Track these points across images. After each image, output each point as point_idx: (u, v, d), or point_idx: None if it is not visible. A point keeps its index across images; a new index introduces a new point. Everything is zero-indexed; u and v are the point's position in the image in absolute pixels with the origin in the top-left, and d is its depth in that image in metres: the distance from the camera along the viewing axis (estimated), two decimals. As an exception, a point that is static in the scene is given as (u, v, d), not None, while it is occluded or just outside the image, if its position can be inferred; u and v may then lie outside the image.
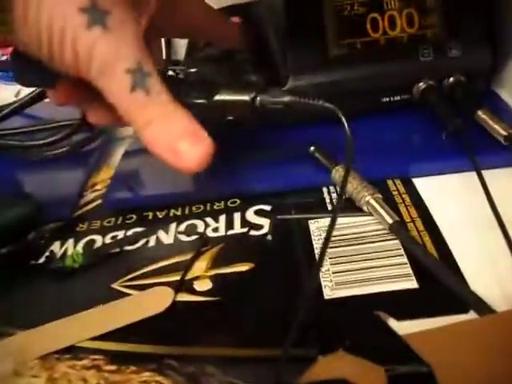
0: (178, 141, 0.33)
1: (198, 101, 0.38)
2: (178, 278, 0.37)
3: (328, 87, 0.48)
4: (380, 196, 0.39)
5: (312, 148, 0.44)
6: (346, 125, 0.35)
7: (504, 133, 0.42)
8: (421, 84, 0.49)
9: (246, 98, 0.38)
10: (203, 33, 0.46)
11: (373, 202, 0.39)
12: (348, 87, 0.48)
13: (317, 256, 0.37)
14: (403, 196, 0.42)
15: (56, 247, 0.43)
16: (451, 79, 0.49)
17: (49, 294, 0.39)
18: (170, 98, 0.33)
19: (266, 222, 0.41)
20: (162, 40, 0.62)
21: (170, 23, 0.41)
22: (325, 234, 0.39)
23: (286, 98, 0.37)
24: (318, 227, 0.40)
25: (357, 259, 0.37)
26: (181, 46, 0.63)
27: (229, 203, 0.44)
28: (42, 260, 0.42)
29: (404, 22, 0.48)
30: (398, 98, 0.50)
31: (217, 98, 0.38)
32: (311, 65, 0.48)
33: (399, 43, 0.49)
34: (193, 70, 0.39)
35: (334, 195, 0.43)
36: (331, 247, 0.38)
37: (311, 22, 0.48)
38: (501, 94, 0.53)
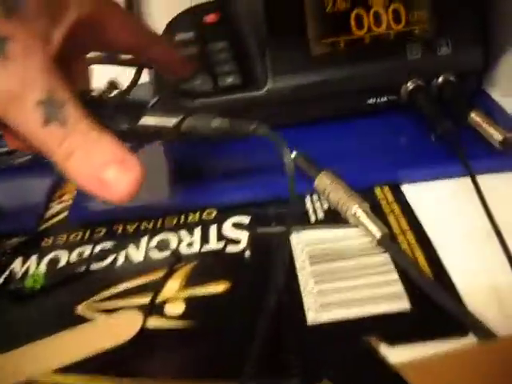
0: (104, 169, 0.29)
1: (121, 126, 0.34)
2: (148, 299, 0.34)
3: (310, 89, 0.45)
4: (367, 206, 0.36)
5: (294, 154, 0.41)
6: (286, 153, 0.32)
7: (499, 137, 0.39)
8: (409, 84, 0.46)
9: (171, 122, 0.34)
10: (137, 54, 0.41)
11: (360, 213, 0.36)
12: (331, 88, 0.45)
13: (299, 273, 0.34)
14: (392, 205, 0.39)
15: (17, 265, 0.39)
16: (441, 79, 0.46)
17: (6, 317, 0.36)
18: (91, 124, 0.30)
19: (243, 236, 0.38)
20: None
21: (96, 40, 0.36)
22: (308, 248, 0.36)
23: (215, 124, 0.34)
24: (299, 241, 0.37)
25: (343, 277, 0.34)
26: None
27: (204, 214, 0.41)
28: (0, 280, 0.38)
29: (390, 18, 0.45)
30: (385, 99, 0.47)
31: (141, 122, 0.34)
32: (291, 65, 0.45)
33: (385, 41, 0.46)
34: (116, 92, 0.35)
35: (318, 204, 0.40)
36: (315, 263, 0.35)
37: (291, 19, 0.45)
38: (492, 93, 0.50)
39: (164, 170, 0.45)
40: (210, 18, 0.50)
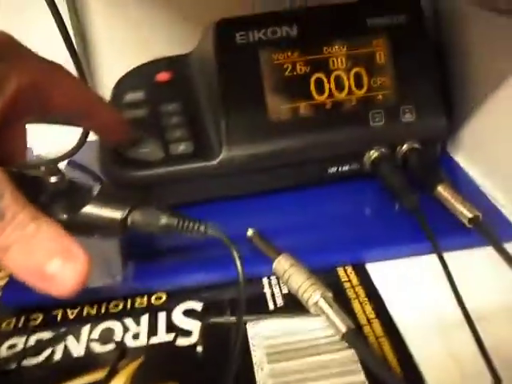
0: (46, 263, 0.27)
1: (59, 215, 0.31)
2: (87, 406, 0.30)
3: (267, 158, 0.42)
4: (331, 296, 0.33)
5: (250, 232, 0.38)
6: (238, 265, 0.31)
7: (469, 215, 0.37)
8: (372, 152, 0.43)
9: (116, 215, 0.31)
10: (81, 121, 0.40)
11: (322, 303, 0.33)
12: (290, 157, 0.43)
13: (256, 375, 0.30)
14: (356, 289, 0.36)
15: None
16: (405, 146, 0.43)
17: None
18: (31, 213, 0.27)
19: (195, 327, 0.34)
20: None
21: (38, 106, 0.34)
22: (266, 342, 0.32)
23: (163, 222, 0.32)
24: (256, 332, 0.33)
25: (305, 378, 0.30)
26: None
27: (153, 299, 0.37)
28: None
29: (352, 83, 0.43)
30: (347, 167, 0.44)
31: (83, 212, 0.31)
32: (248, 132, 0.42)
33: (347, 107, 0.43)
34: (56, 177, 0.32)
35: (277, 289, 0.36)
36: (273, 361, 0.31)
37: (248, 83, 0.42)
38: (456, 157, 0.48)
39: (109, 249, 0.41)
40: (162, 76, 0.48)
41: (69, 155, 0.54)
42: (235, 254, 0.30)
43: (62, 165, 0.55)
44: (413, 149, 0.43)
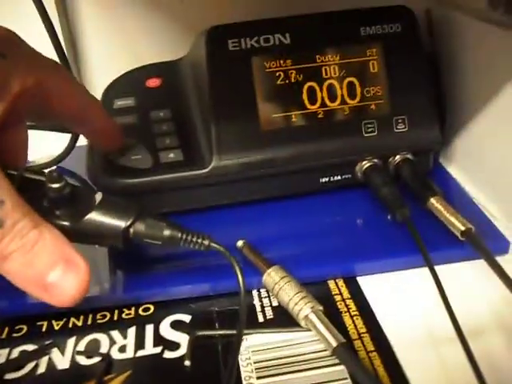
0: (47, 272, 0.27)
1: (61, 222, 0.31)
2: (71, 422, 0.29)
3: (258, 167, 0.41)
4: (321, 310, 0.32)
5: (240, 243, 0.37)
6: (240, 277, 0.31)
7: (461, 228, 0.37)
8: (364, 162, 0.43)
9: (120, 224, 0.31)
10: (79, 124, 0.39)
11: (313, 317, 0.32)
12: (282, 167, 0.42)
13: (245, 389, 0.30)
14: (347, 302, 0.36)
15: None
16: (397, 157, 0.43)
17: None
18: (32, 221, 0.27)
19: (183, 340, 0.34)
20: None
21: (40, 109, 0.34)
22: (255, 357, 0.32)
23: (166, 233, 0.32)
24: (247, 347, 0.33)
25: (294, 394, 0.29)
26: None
27: (140, 311, 0.37)
28: None
29: (345, 92, 0.43)
30: (339, 177, 0.43)
31: (86, 219, 0.31)
32: (239, 141, 0.41)
33: (340, 116, 0.43)
34: (61, 187, 0.31)
35: (266, 301, 0.36)
36: (262, 377, 0.31)
37: (239, 91, 0.41)
38: (449, 169, 0.48)
39: (96, 257, 0.40)
40: (152, 82, 0.47)
41: (57, 161, 0.54)
42: (237, 270, 0.31)
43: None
44: (405, 160, 0.43)
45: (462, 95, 0.46)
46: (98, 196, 0.32)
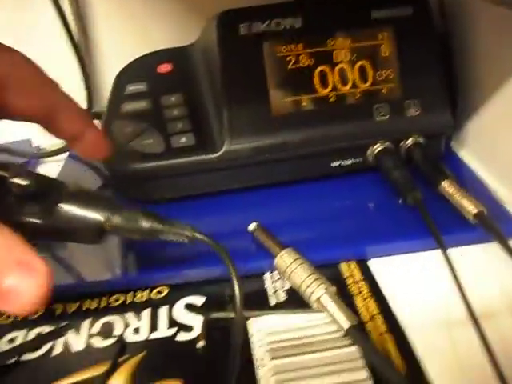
0: (3, 277, 0.24)
1: (29, 219, 0.30)
2: (88, 401, 0.30)
3: (270, 151, 0.42)
4: (334, 291, 0.33)
5: (252, 225, 0.38)
6: (230, 266, 0.31)
7: (473, 210, 0.37)
8: (375, 146, 0.43)
9: (94, 217, 0.30)
10: (44, 123, 0.34)
11: (325, 300, 0.32)
12: (293, 151, 0.42)
13: (258, 370, 0.30)
14: (360, 284, 0.36)
15: None
16: (409, 141, 0.43)
17: None
18: None
19: (197, 322, 0.34)
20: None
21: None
22: (268, 338, 0.32)
23: (146, 226, 0.31)
24: (259, 328, 0.33)
25: (307, 375, 0.30)
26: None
27: (154, 293, 0.37)
28: None
29: (356, 76, 0.43)
30: (350, 161, 0.43)
31: (58, 212, 0.30)
32: (250, 125, 0.41)
33: (351, 100, 0.43)
34: (25, 182, 0.30)
35: (279, 284, 0.36)
36: (276, 357, 0.31)
37: (250, 76, 0.42)
38: (460, 153, 0.48)
39: (108, 242, 0.40)
40: (164, 67, 0.47)
41: (68, 147, 0.54)
42: (226, 258, 0.31)
43: (64, 156, 0.55)
44: (417, 143, 0.43)
45: (475, 78, 0.46)
46: (69, 188, 0.31)
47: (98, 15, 0.57)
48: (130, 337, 0.34)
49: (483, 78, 0.44)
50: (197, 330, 0.34)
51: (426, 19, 0.43)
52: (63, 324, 0.36)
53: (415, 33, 0.43)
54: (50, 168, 0.55)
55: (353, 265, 0.38)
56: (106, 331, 0.35)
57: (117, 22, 0.57)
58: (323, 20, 0.42)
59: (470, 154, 0.47)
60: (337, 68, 0.43)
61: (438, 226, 0.36)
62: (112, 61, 0.55)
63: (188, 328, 0.34)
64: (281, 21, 0.42)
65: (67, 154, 0.55)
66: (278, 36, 0.42)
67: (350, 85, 0.43)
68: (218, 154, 0.41)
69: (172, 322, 0.35)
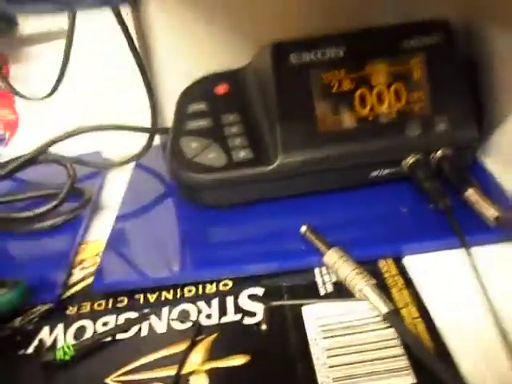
0: None
1: None
2: (172, 372, 0.37)
3: (316, 163, 0.48)
4: (374, 283, 0.39)
5: (303, 228, 0.44)
6: None
7: (494, 214, 0.43)
8: (409, 158, 0.49)
9: None
10: None
11: (367, 290, 0.39)
12: (337, 163, 0.49)
13: (312, 346, 0.37)
14: (395, 278, 0.42)
15: (45, 334, 0.42)
16: (439, 153, 0.49)
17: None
18: None
19: (259, 309, 0.41)
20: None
21: None
22: (320, 322, 0.39)
23: None
24: (310, 314, 0.40)
25: (353, 351, 0.37)
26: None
27: (221, 286, 0.44)
28: (30, 350, 0.41)
29: (392, 97, 0.49)
30: (387, 172, 0.50)
31: None
32: (300, 141, 0.48)
33: (387, 118, 0.49)
34: None
35: (327, 277, 0.43)
36: (327, 337, 0.38)
37: (300, 99, 0.49)
38: (486, 162, 0.53)
39: (177, 240, 0.48)
40: (221, 88, 0.54)
41: (135, 158, 0.61)
42: None
43: (131, 166, 0.62)
44: (446, 155, 0.49)
45: (498, 98, 0.51)
46: None
47: (160, 39, 0.65)
48: (204, 321, 0.41)
49: (506, 99, 0.50)
50: (259, 316, 0.41)
51: (452, 46, 0.49)
52: (146, 311, 0.43)
53: (443, 58, 0.49)
54: (119, 177, 0.62)
55: (389, 261, 0.44)
56: (184, 316, 0.42)
57: (177, 46, 0.64)
58: (362, 49, 0.49)
59: (494, 163, 0.53)
60: (374, 90, 0.49)
61: (462, 228, 0.43)
62: (174, 80, 0.62)
63: (252, 314, 0.41)
64: (326, 51, 0.48)
65: (134, 164, 0.63)
66: (324, 64, 0.48)
67: (385, 105, 0.49)
68: (273, 166, 0.48)
69: (238, 309, 0.42)
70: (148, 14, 0.64)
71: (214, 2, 0.63)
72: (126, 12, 0.60)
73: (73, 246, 0.52)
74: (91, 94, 0.66)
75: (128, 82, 0.62)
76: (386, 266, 0.43)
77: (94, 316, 0.44)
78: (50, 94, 0.63)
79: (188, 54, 0.64)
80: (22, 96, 0.65)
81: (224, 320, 0.41)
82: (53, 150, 0.59)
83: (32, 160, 0.58)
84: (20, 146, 0.69)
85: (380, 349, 0.37)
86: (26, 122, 0.70)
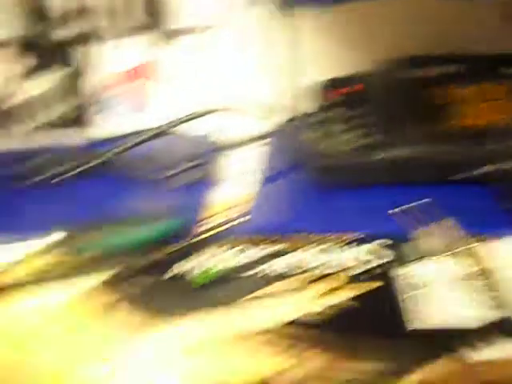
0: None
1: None
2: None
3: (415, 160, 0.57)
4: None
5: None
6: None
7: None
8: (489, 164, 0.56)
9: None
10: None
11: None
12: (430, 162, 0.58)
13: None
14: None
15: (187, 263, 0.47)
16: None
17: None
18: None
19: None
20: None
21: None
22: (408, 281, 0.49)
23: None
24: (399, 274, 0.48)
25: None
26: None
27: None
28: (176, 272, 0.46)
29: (485, 112, 0.59)
30: (470, 174, 0.57)
31: None
32: (420, 137, 0.58)
33: (472, 130, 0.57)
34: None
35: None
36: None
37: (412, 107, 0.59)
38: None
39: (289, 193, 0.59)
40: (358, 86, 0.64)
41: (260, 138, 0.70)
42: None
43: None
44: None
45: None
46: None
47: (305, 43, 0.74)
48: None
49: None
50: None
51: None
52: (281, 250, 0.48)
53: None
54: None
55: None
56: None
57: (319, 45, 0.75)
58: (468, 69, 0.59)
59: None
60: (462, 106, 0.58)
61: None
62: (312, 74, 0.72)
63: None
64: (436, 68, 0.60)
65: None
66: (435, 79, 0.59)
67: (479, 118, 0.58)
68: (387, 155, 0.57)
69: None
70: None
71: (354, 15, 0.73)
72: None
73: (204, 200, 0.58)
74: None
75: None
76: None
77: (236, 251, 0.49)
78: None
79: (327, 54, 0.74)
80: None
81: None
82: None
83: (164, 133, 0.67)
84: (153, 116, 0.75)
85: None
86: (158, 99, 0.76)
